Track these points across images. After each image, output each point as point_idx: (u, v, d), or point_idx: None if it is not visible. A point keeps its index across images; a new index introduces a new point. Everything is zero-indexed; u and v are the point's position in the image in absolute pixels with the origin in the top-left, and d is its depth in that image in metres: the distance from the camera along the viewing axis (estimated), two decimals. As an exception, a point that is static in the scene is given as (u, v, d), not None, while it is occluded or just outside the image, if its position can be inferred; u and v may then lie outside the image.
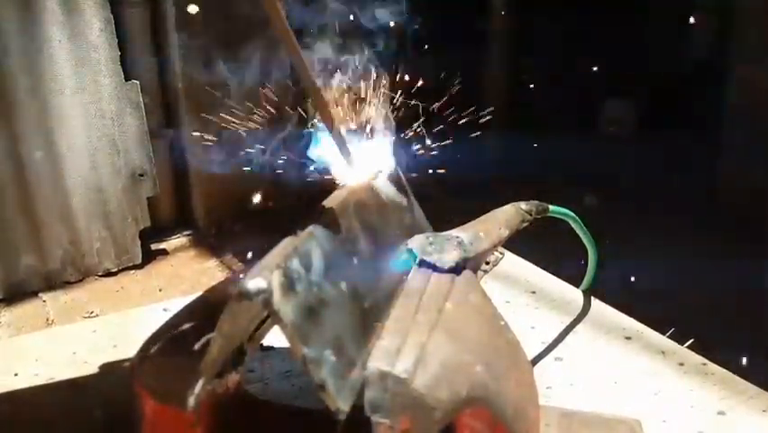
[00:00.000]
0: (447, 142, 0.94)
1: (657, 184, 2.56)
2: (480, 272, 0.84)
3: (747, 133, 2.33)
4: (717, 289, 1.81)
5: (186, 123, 1.98)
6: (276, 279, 0.59)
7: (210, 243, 1.99)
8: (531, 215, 0.92)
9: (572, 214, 1.02)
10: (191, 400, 0.66)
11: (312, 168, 0.79)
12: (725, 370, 0.99)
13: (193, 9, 1.77)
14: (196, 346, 0.67)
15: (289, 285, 0.61)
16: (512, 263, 1.33)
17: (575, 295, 1.19)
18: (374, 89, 0.84)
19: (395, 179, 0.85)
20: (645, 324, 1.11)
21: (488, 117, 1.14)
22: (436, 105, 0.99)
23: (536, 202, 0.95)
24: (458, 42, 2.54)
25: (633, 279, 1.76)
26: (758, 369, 0.97)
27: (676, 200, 2.40)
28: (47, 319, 1.64)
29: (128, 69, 1.83)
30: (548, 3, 2.80)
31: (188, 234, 2.07)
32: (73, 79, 1.73)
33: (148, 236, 1.95)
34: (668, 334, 1.09)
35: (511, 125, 2.69)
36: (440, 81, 1.15)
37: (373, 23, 0.91)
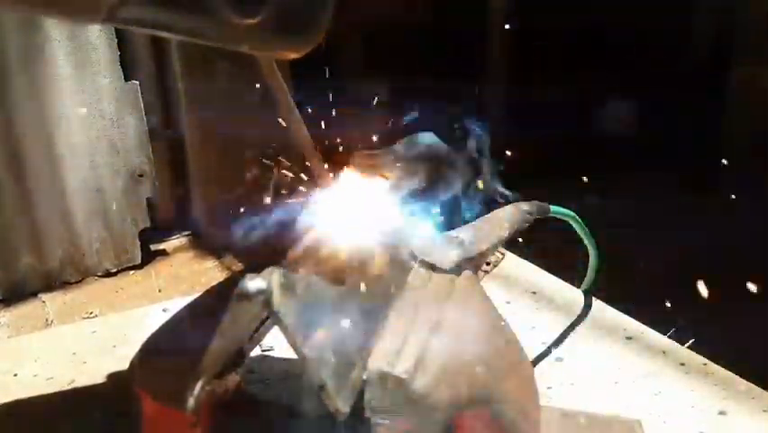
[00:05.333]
0: None
1: (657, 183, 2.56)
2: (480, 273, 0.84)
3: (747, 133, 2.33)
4: (719, 287, 1.80)
5: (186, 123, 1.98)
6: (276, 279, 0.59)
7: (210, 243, 1.98)
8: (532, 215, 0.92)
9: (574, 214, 1.02)
10: (191, 401, 0.65)
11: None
12: (726, 370, 0.99)
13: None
14: (196, 347, 0.67)
15: (289, 286, 0.61)
16: (512, 264, 1.33)
17: (576, 295, 1.19)
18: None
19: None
20: (646, 324, 1.11)
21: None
22: None
23: (537, 202, 0.94)
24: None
25: (634, 278, 1.76)
26: (760, 369, 0.97)
27: (676, 200, 2.40)
28: (46, 320, 1.64)
29: (128, 70, 1.83)
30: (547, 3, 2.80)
31: (188, 235, 2.06)
32: (72, 80, 1.73)
33: (147, 237, 1.94)
34: (669, 334, 1.09)
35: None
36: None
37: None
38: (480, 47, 2.91)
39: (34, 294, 1.75)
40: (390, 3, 2.70)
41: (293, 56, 0.58)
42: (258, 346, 0.86)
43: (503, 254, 1.33)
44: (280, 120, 0.65)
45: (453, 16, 2.68)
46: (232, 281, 0.71)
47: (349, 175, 0.76)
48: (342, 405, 0.60)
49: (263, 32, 0.53)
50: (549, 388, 0.96)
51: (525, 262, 1.33)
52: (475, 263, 0.79)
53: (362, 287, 0.69)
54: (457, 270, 0.75)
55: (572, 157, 2.56)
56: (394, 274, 0.74)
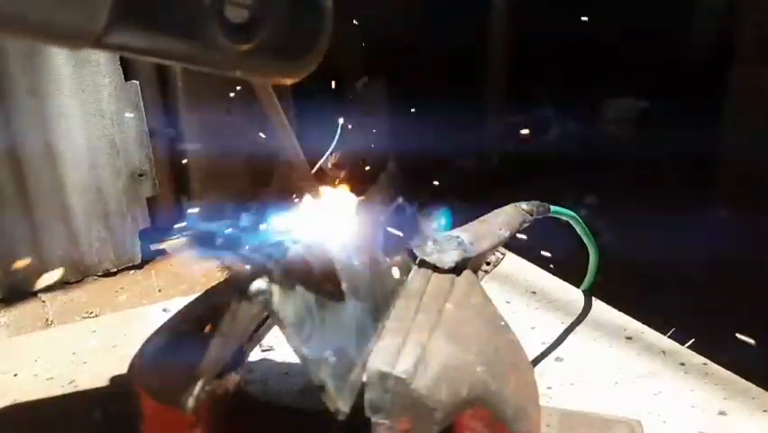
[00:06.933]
0: None
1: (657, 183, 2.56)
2: (480, 273, 0.84)
3: (747, 133, 2.33)
4: (719, 287, 1.80)
5: (185, 123, 1.98)
6: (276, 280, 0.59)
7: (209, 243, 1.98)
8: (532, 215, 0.92)
9: (574, 214, 1.01)
10: (191, 401, 0.65)
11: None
12: (726, 370, 0.99)
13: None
14: (196, 347, 0.67)
15: (289, 286, 0.61)
16: (512, 263, 1.33)
17: (575, 295, 1.19)
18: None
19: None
20: (646, 324, 1.11)
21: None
22: None
23: (537, 202, 0.94)
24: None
25: (634, 277, 1.76)
26: (760, 369, 0.97)
27: (676, 200, 2.40)
28: (46, 320, 1.64)
29: (128, 70, 1.83)
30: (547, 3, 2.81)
31: (188, 235, 2.06)
32: (72, 79, 1.73)
33: (147, 237, 1.94)
34: (669, 334, 1.09)
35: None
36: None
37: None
38: (481, 47, 2.91)
39: (34, 294, 1.75)
40: (390, 10, 2.70)
41: (289, 82, 0.58)
42: (258, 346, 0.86)
43: (503, 254, 1.33)
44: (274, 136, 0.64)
45: (454, 18, 2.68)
46: (231, 282, 0.71)
47: (340, 188, 0.76)
48: (343, 405, 0.60)
49: (258, 58, 0.52)
50: (549, 388, 0.96)
51: (525, 262, 1.33)
52: (475, 263, 0.79)
53: (361, 288, 0.69)
54: (457, 270, 0.75)
55: (572, 157, 2.57)
56: (394, 275, 0.74)
